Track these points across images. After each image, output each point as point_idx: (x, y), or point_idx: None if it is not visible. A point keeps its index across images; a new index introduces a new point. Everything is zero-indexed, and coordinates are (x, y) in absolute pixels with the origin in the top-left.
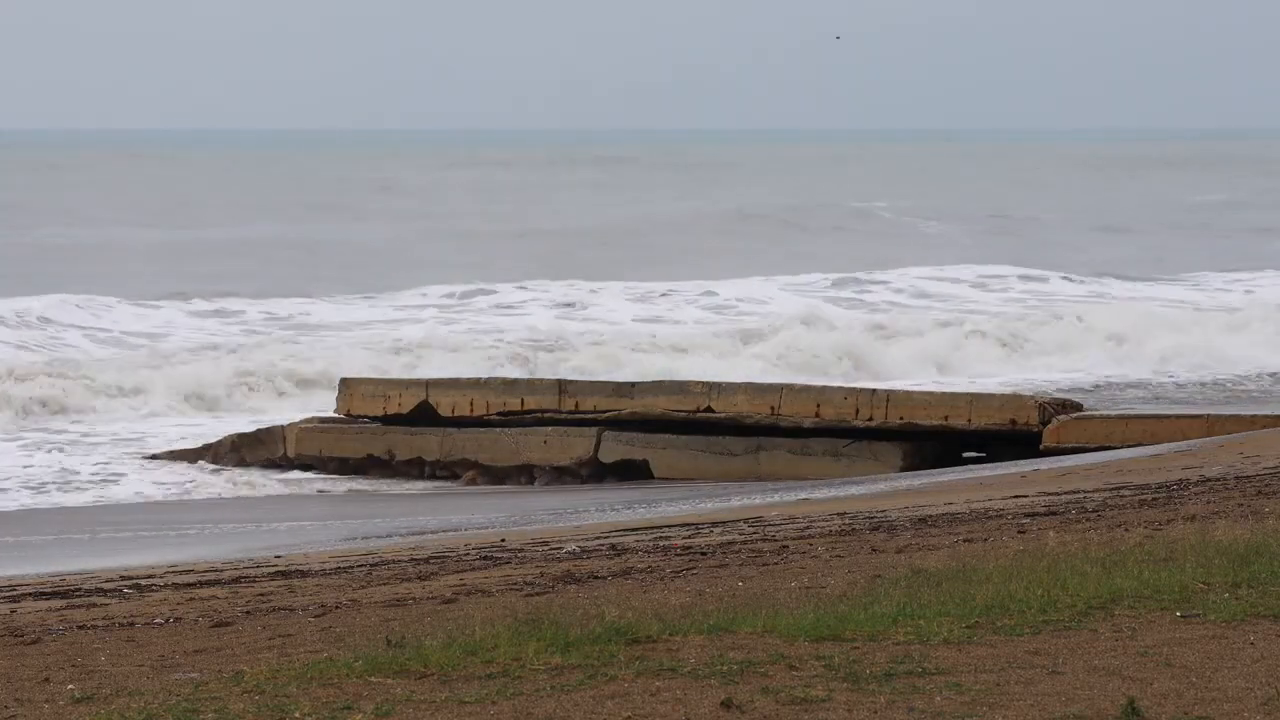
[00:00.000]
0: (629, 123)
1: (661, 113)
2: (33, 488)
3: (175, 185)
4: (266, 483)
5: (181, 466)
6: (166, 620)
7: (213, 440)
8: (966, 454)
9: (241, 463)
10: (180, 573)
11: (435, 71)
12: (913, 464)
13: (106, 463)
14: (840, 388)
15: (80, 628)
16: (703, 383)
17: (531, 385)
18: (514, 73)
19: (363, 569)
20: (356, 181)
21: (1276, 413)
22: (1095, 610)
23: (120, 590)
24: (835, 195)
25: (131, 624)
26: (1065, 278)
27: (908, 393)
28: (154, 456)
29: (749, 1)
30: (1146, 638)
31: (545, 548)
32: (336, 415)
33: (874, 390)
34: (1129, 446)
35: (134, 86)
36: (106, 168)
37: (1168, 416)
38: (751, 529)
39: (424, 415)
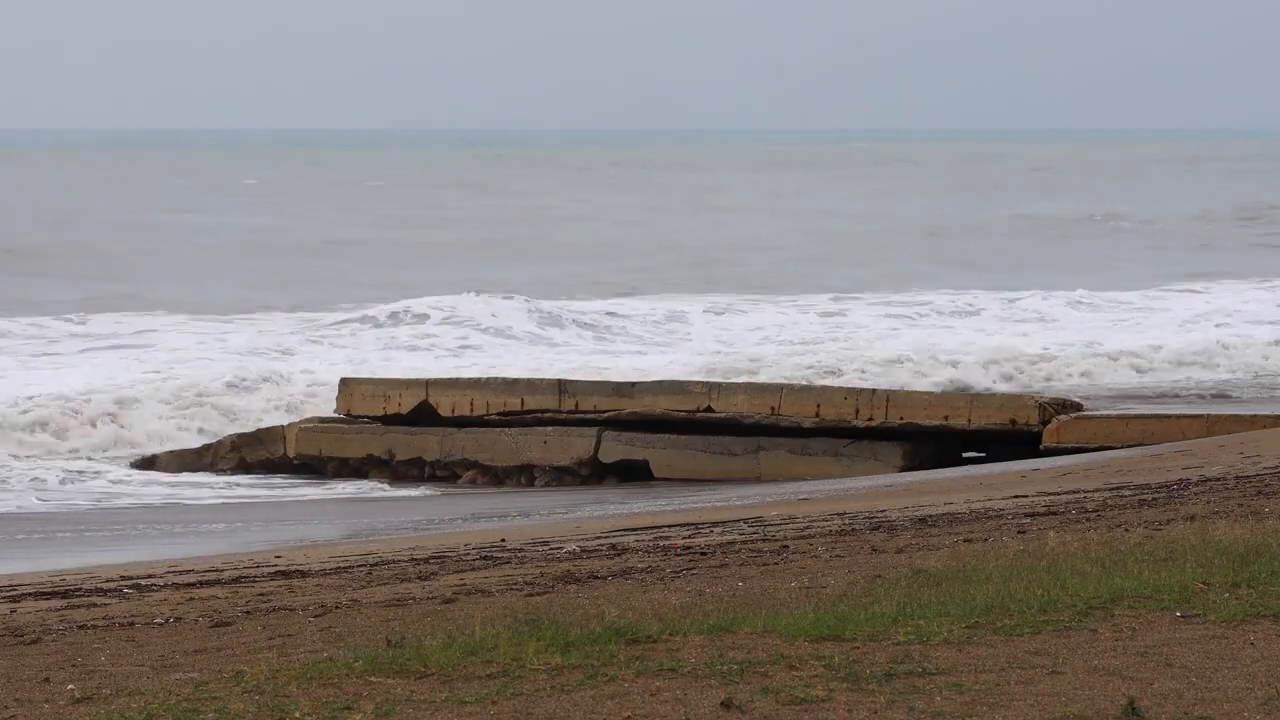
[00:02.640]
0: (625, 124)
1: (663, 114)
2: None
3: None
4: (266, 483)
5: (181, 466)
6: (166, 620)
7: (213, 441)
8: (966, 454)
9: (242, 463)
10: (180, 573)
11: (430, 72)
12: (913, 464)
13: (106, 464)
14: (840, 388)
15: (80, 628)
16: (703, 383)
17: (531, 385)
18: (487, 74)
19: (363, 569)
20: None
21: (1276, 413)
22: (1095, 610)
23: (120, 590)
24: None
25: (131, 624)
26: None
27: (908, 393)
28: (153, 457)
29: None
30: (1146, 638)
31: (545, 548)
32: (336, 415)
33: (874, 390)
34: (1129, 446)
35: (133, 87)
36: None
37: (1168, 416)
38: (751, 529)
39: (424, 415)
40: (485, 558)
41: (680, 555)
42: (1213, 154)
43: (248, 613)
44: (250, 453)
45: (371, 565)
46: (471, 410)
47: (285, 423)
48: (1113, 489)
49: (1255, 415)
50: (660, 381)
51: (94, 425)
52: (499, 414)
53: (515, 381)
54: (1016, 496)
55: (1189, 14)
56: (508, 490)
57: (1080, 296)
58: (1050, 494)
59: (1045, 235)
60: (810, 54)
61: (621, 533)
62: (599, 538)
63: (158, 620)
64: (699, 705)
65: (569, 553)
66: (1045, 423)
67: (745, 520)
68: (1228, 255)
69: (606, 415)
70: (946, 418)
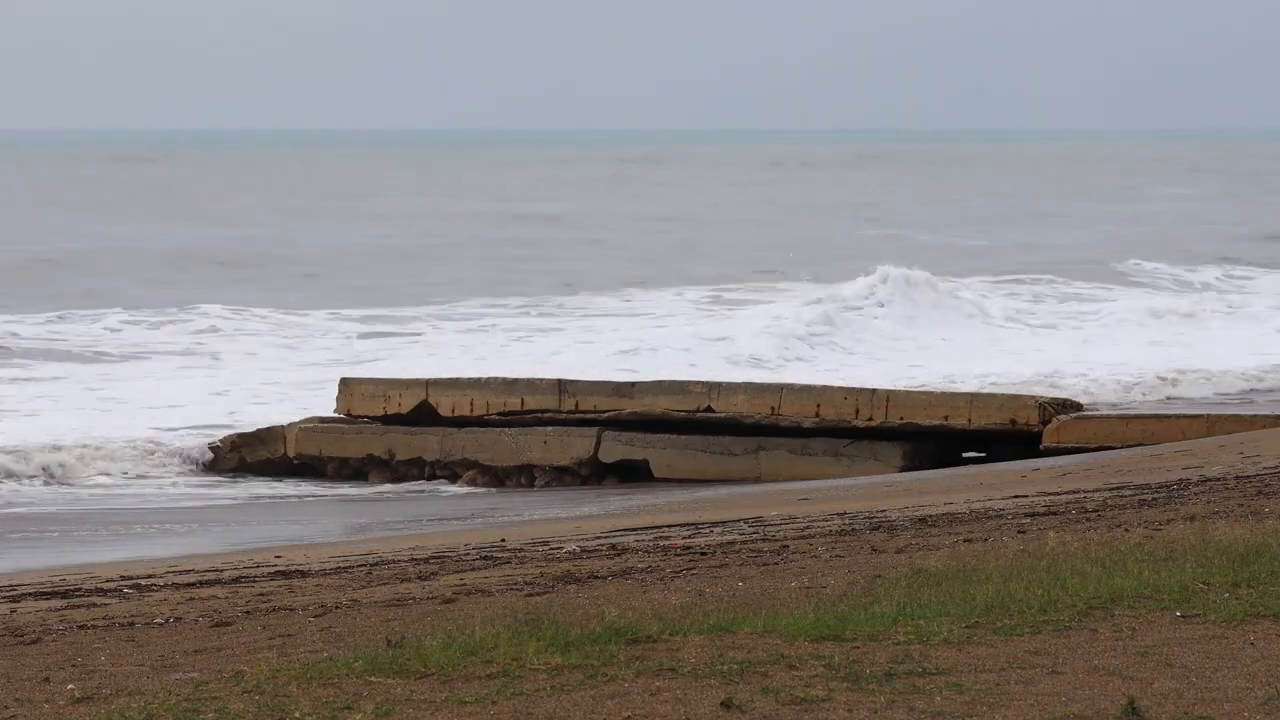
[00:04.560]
0: (628, 124)
1: (661, 114)
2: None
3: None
4: (266, 483)
5: (181, 466)
6: (166, 620)
7: (213, 440)
8: (966, 454)
9: (242, 463)
10: (180, 573)
11: (430, 71)
12: (913, 464)
13: (105, 462)
14: (840, 388)
15: (80, 628)
16: (703, 383)
17: (531, 385)
18: (493, 73)
19: (363, 569)
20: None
21: (1276, 413)
22: (1095, 610)
23: (120, 590)
24: None
25: (131, 624)
26: None
27: (908, 392)
28: (152, 455)
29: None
30: (1146, 638)
31: (545, 548)
32: (337, 415)
33: (874, 390)
34: (1129, 446)
35: (131, 87)
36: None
37: (1168, 416)
38: (751, 529)
39: (424, 415)
40: (485, 558)
41: (680, 555)
42: None
43: (248, 613)
44: (250, 453)
45: (371, 565)
46: (471, 410)
47: (285, 422)
48: (1113, 489)
49: (1255, 415)
50: (660, 381)
51: None
52: (499, 414)
53: (515, 381)
54: (1016, 496)
55: (1191, 14)
56: (508, 490)
57: None
58: (1050, 494)
59: None
60: (810, 54)
61: (621, 533)
62: (599, 538)
63: (158, 620)
64: (699, 705)
65: (569, 553)
66: (1045, 423)
67: (745, 520)
68: None
69: (606, 415)
70: (946, 418)
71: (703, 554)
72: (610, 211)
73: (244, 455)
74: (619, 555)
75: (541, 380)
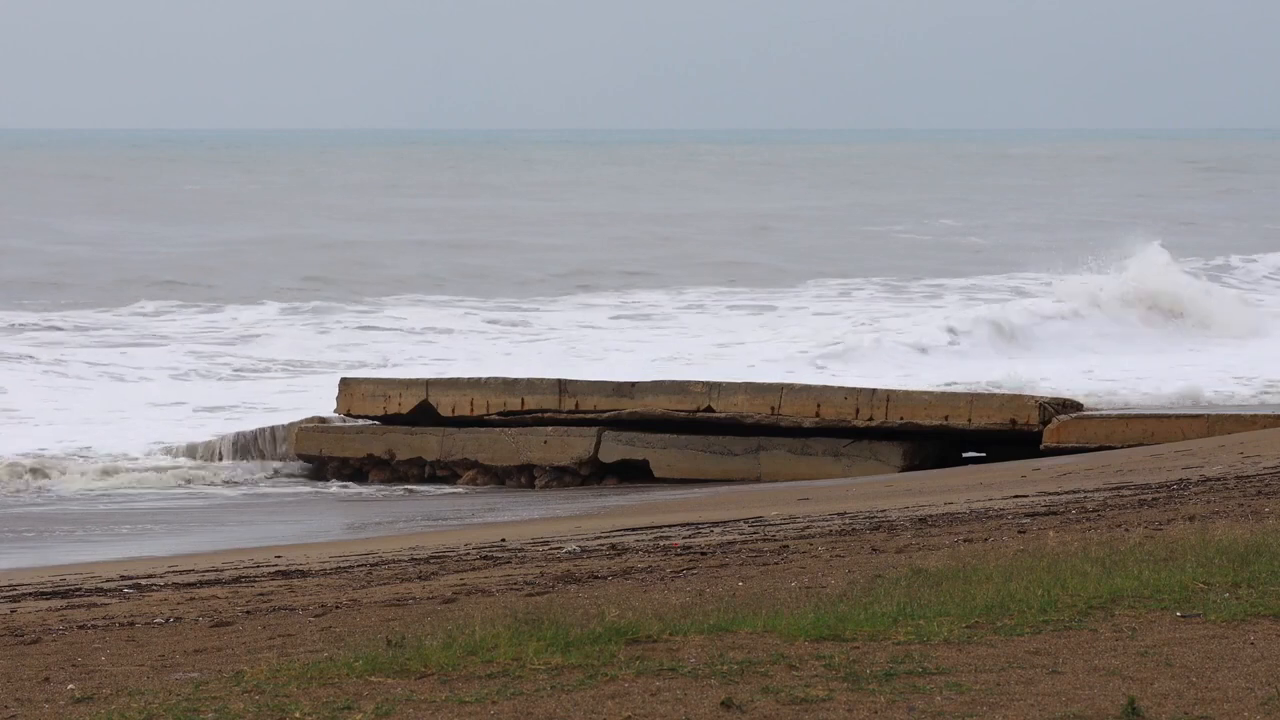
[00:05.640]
0: (618, 123)
1: (652, 113)
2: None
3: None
4: (266, 482)
5: (180, 465)
6: (166, 620)
7: (213, 439)
8: (967, 454)
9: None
10: (180, 573)
11: (432, 72)
12: (913, 464)
13: (106, 460)
14: (840, 388)
15: (80, 627)
16: (703, 383)
17: (531, 385)
18: (501, 74)
19: (363, 569)
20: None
21: (1276, 413)
22: (1095, 610)
23: (120, 590)
24: None
25: (131, 624)
26: None
27: (908, 392)
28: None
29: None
30: (1146, 638)
31: (545, 547)
32: (337, 415)
33: (874, 390)
34: (1129, 446)
35: (131, 87)
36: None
37: (1168, 416)
38: (751, 529)
39: (424, 415)
40: (485, 558)
41: (680, 555)
42: None
43: (248, 613)
44: (250, 452)
45: (371, 565)
46: (471, 410)
47: (285, 422)
48: (1113, 489)
49: (1255, 415)
50: (660, 381)
51: None
52: (499, 414)
53: (515, 381)
54: (1016, 496)
55: (1192, 13)
56: (508, 490)
57: None
58: (1050, 494)
59: None
60: (809, 54)
61: (621, 533)
62: (599, 538)
63: (158, 620)
64: (699, 705)
65: (569, 553)
66: (1045, 423)
67: (745, 520)
68: None
69: (606, 415)
70: (946, 418)
71: (703, 554)
72: (641, 210)
73: (243, 455)
74: (619, 555)
75: (541, 380)
